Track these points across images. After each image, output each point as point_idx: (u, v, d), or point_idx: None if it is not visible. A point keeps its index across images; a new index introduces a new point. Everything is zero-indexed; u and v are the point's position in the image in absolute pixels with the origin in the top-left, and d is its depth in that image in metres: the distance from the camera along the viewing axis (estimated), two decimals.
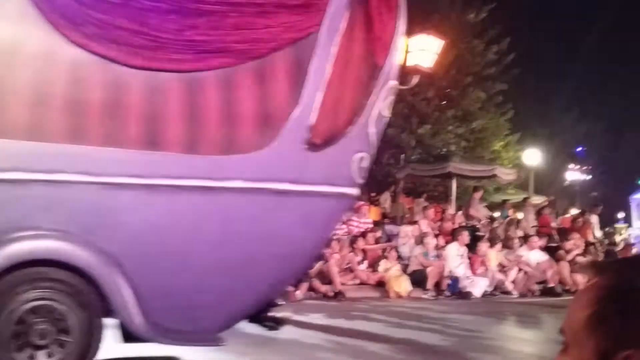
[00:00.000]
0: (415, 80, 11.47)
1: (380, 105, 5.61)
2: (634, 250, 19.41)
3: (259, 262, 5.27)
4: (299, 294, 12.80)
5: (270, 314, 6.35)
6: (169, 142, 5.17)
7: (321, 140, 5.34)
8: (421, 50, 14.25)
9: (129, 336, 5.36)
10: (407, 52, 8.97)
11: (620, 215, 31.32)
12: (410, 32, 7.41)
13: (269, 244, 5.25)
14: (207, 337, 5.40)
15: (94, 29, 5.03)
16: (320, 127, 5.32)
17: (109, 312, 5.17)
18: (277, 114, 5.28)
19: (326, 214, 5.58)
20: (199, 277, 5.20)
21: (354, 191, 5.73)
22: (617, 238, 23.10)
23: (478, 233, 16.97)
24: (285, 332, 9.42)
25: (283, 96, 5.28)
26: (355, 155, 5.57)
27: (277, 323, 8.06)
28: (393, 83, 5.69)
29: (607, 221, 27.52)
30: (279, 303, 8.19)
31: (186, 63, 5.18)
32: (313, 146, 5.32)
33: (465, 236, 15.46)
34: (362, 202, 18.68)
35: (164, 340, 5.27)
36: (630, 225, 27.08)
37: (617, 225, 26.07)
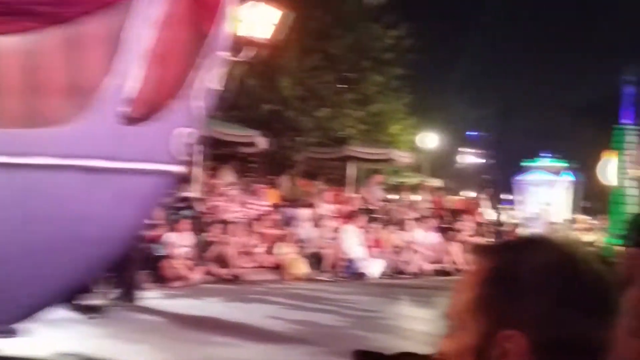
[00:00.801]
0: (250, 52, 10.78)
1: (208, 77, 5.13)
2: (521, 231, 20.26)
3: (67, 246, 4.77)
4: (195, 277, 12.65)
5: (89, 300, 5.85)
6: None
7: (139, 113, 4.84)
8: (257, 20, 13.44)
9: None
10: (240, 21, 8.33)
11: (506, 197, 32.69)
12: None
13: (78, 226, 4.76)
14: None
15: None
16: (138, 99, 4.80)
17: None
18: (89, 85, 4.73)
19: (144, 193, 5.10)
20: None
21: (176, 168, 5.23)
22: (505, 219, 24.00)
23: (374, 215, 17.26)
24: (181, 317, 9.33)
25: (96, 65, 4.74)
26: (178, 130, 5.05)
27: (94, 310, 7.78)
28: (222, 54, 5.20)
29: (496, 203, 28.65)
30: (97, 290, 7.83)
31: None
32: (129, 120, 4.80)
33: (362, 218, 15.69)
34: (260, 185, 18.65)
35: None
36: (514, 207, 28.28)
37: (502, 207, 27.17)
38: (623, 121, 14.63)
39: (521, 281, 1.08)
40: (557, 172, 31.52)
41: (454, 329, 1.13)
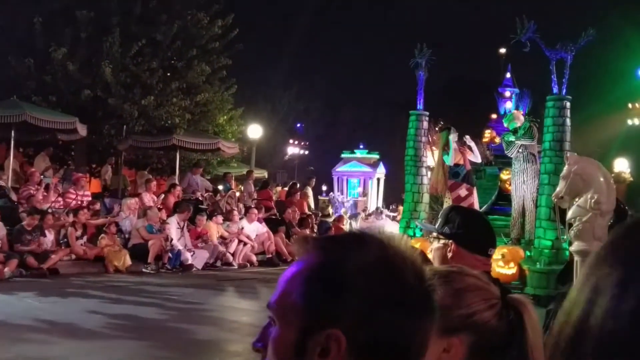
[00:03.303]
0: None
1: None
2: (345, 222, 20.89)
3: None
4: (7, 271, 11.88)
5: None
6: None
7: None
8: None
9: None
10: None
11: (325, 188, 33.75)
12: None
13: None
14: None
15: None
16: None
17: None
18: None
19: None
20: None
21: None
22: (330, 210, 24.68)
23: (200, 206, 17.09)
24: None
25: None
26: None
27: None
28: None
29: (319, 194, 29.43)
30: None
31: None
32: None
33: (188, 209, 15.49)
34: (80, 174, 17.86)
35: None
36: (334, 197, 29.21)
37: (321, 198, 27.96)
38: (418, 107, 14.59)
39: (344, 280, 1.07)
40: (372, 164, 32.97)
41: (277, 322, 1.12)
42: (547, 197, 12.20)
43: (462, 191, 13.29)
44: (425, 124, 14.67)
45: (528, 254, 12.23)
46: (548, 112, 12.84)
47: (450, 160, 13.46)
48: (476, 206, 12.91)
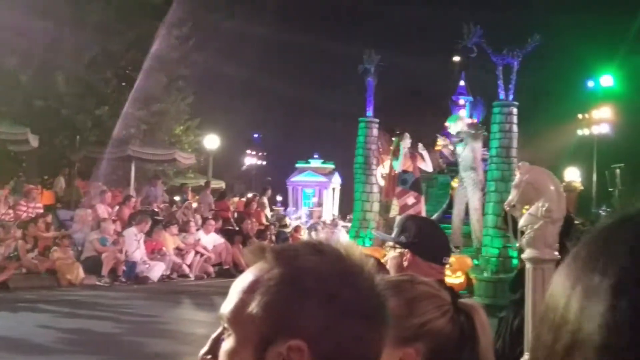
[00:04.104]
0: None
1: None
2: (303, 232, 20.87)
3: None
4: None
5: None
6: None
7: None
8: None
9: None
10: None
11: (280, 198, 33.78)
12: None
13: None
14: None
15: None
16: None
17: None
18: None
19: None
20: None
21: None
22: (287, 220, 24.63)
23: (157, 217, 16.91)
24: None
25: None
26: None
27: None
28: None
29: (274, 204, 29.42)
30: None
31: None
32: None
33: (143, 221, 15.30)
34: (32, 186, 17.52)
35: None
36: (286, 208, 29.13)
37: (275, 208, 27.88)
38: (368, 114, 14.29)
39: (304, 290, 1.06)
40: (327, 173, 33.05)
41: (232, 333, 1.10)
42: (494, 205, 12.09)
43: (410, 199, 13.14)
44: (375, 131, 14.40)
45: (476, 262, 12.12)
46: (494, 119, 12.69)
47: (398, 166, 13.33)
48: (423, 214, 12.47)
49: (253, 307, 1.07)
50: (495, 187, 12.25)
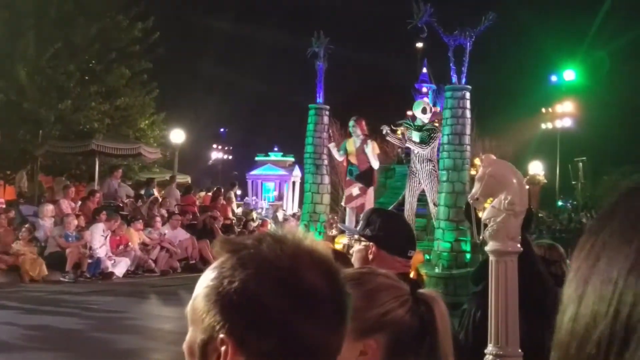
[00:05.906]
0: None
1: None
2: (269, 226, 20.82)
3: None
4: None
5: None
6: None
7: None
8: None
9: None
10: None
11: (239, 192, 33.71)
12: None
13: None
14: None
15: None
16: None
17: None
18: None
19: None
20: None
21: None
22: (254, 215, 24.55)
23: (122, 212, 16.74)
24: None
25: None
26: None
27: None
28: None
29: (238, 198, 29.30)
30: None
31: None
32: None
33: (115, 219, 15.15)
34: None
35: None
36: (252, 201, 28.96)
37: (240, 202, 27.81)
38: (318, 100, 13.36)
39: (247, 284, 1.05)
40: (287, 167, 32.88)
41: (192, 325, 1.11)
42: (446, 195, 11.20)
43: (355, 190, 12.40)
44: (326, 119, 13.44)
45: (427, 257, 11.24)
46: (446, 103, 11.65)
47: (342, 155, 12.61)
48: (368, 206, 11.01)
49: (199, 300, 1.09)
50: (447, 176, 11.27)
